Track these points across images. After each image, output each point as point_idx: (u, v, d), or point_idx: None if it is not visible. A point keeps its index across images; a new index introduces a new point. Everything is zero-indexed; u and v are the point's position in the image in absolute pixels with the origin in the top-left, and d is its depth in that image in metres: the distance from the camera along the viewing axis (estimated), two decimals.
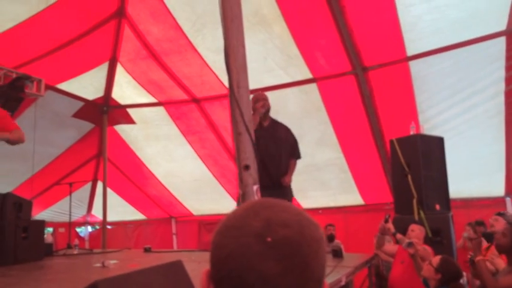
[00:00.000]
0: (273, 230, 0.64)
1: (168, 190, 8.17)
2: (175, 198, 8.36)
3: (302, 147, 6.54)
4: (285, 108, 6.17)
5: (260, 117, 4.08)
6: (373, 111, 5.73)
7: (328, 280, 2.86)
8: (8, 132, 3.46)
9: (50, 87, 6.14)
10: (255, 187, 2.35)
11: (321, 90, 5.76)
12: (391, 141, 4.89)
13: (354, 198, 6.83)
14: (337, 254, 3.79)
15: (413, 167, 4.54)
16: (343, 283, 3.07)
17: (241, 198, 2.33)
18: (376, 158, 6.15)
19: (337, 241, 5.97)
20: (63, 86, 6.37)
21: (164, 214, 8.91)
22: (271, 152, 4.08)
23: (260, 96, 4.20)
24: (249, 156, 2.37)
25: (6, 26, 4.93)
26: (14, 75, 5.46)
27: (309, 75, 5.65)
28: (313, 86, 5.75)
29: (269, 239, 0.63)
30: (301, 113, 6.14)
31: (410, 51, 5.14)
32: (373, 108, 5.70)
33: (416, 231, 3.99)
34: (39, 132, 5.97)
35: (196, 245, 8.17)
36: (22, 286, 3.40)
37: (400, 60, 5.23)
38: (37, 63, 5.73)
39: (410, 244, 3.46)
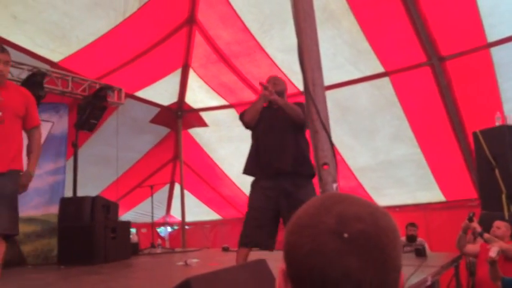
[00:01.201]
0: (348, 225, 0.64)
1: (241, 190, 8.31)
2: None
3: (375, 144, 6.42)
4: (356, 105, 6.06)
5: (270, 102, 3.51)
6: (452, 102, 5.44)
7: (413, 280, 2.77)
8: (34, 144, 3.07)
9: (129, 95, 6.51)
10: (335, 185, 2.32)
11: (394, 84, 5.56)
12: (475, 134, 4.62)
13: (434, 195, 6.52)
14: (421, 253, 3.65)
15: (500, 160, 4.25)
16: (429, 283, 2.95)
17: None
18: (457, 151, 5.83)
19: (420, 239, 5.74)
20: (141, 93, 6.73)
21: (238, 214, 9.07)
22: (272, 136, 3.45)
23: (271, 80, 3.63)
24: (327, 154, 2.34)
25: (88, 40, 5.29)
26: (97, 86, 5.85)
27: (381, 69, 5.49)
28: (385, 80, 5.57)
29: (346, 235, 0.63)
30: (374, 108, 5.98)
31: (491, 37, 4.82)
32: (451, 99, 5.41)
33: (502, 229, 3.73)
34: (121, 138, 6.34)
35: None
36: (113, 283, 3.63)
37: (480, 48, 4.91)
38: (116, 73, 6.10)
39: (498, 252, 3.21)
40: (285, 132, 3.46)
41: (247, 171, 3.61)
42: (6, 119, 2.86)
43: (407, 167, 6.39)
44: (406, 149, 6.14)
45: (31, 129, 3.09)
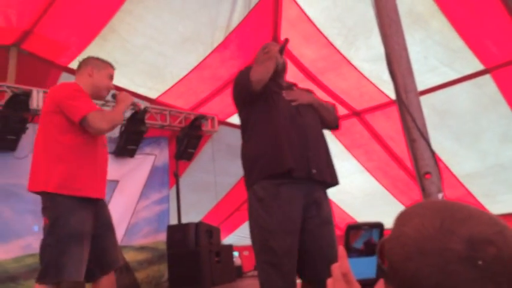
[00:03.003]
0: (480, 251, 0.58)
1: (339, 207, 8.13)
2: (348, 215, 8.26)
3: (482, 147, 5.93)
4: (455, 107, 5.67)
5: (277, 71, 2.60)
6: None
7: None
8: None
9: (222, 122, 6.76)
10: (440, 195, 2.17)
11: (496, 80, 5.13)
12: None
13: None
14: None
15: None
16: None
17: None
18: None
19: None
20: (232, 119, 6.95)
21: (339, 232, 8.86)
22: (300, 123, 2.50)
23: (271, 46, 2.88)
24: (428, 162, 2.21)
25: (181, 74, 5.63)
26: (192, 117, 6.17)
27: (480, 67, 5.09)
28: (486, 78, 5.15)
29: (480, 262, 0.57)
30: (476, 109, 5.54)
31: None
32: None
33: None
34: (218, 164, 6.59)
35: None
36: None
37: None
38: (208, 103, 6.39)
39: None
40: (312, 120, 2.63)
41: (270, 167, 2.33)
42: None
43: None
44: None
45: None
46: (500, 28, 4.69)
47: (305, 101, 2.63)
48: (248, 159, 2.51)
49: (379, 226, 0.86)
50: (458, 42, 4.92)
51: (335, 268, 0.72)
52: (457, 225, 0.61)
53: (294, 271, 2.25)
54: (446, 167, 6.02)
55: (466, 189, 6.39)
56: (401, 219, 0.68)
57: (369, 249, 0.85)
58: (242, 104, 2.66)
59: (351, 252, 0.84)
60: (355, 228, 0.86)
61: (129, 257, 5.68)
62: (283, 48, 2.63)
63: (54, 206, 2.45)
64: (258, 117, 2.51)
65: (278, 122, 2.44)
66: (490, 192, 6.36)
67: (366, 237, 0.85)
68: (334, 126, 2.86)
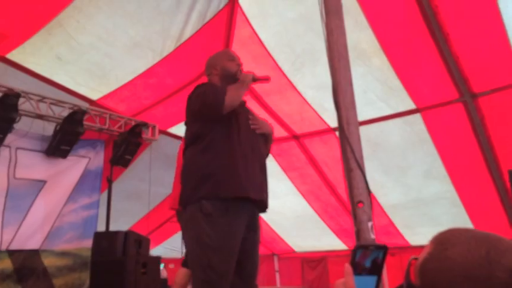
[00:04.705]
0: None
1: (269, 226, 8.26)
2: (278, 235, 8.42)
3: (408, 181, 6.33)
4: (387, 141, 6.03)
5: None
6: (485, 140, 5.35)
7: None
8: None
9: (162, 132, 6.68)
10: (370, 223, 2.31)
11: (425, 120, 5.54)
12: (510, 172, 4.52)
13: None
14: None
15: None
16: None
17: (356, 236, 2.31)
18: (492, 190, 5.68)
19: None
20: (173, 129, 6.89)
21: (266, 251, 8.99)
22: (257, 148, 2.56)
23: (235, 54, 3.01)
24: (362, 192, 2.35)
25: (126, 79, 5.52)
26: (133, 123, 6.04)
27: (412, 106, 5.48)
28: (417, 117, 5.55)
29: None
30: (405, 145, 5.94)
31: None
32: (485, 137, 5.32)
33: None
34: (154, 173, 6.47)
35: (300, 282, 8.08)
36: None
37: None
38: (151, 111, 6.29)
39: None
40: (263, 147, 2.69)
41: (226, 189, 2.27)
42: None
43: (441, 205, 6.26)
44: (439, 186, 6.03)
45: None
46: (433, 72, 5.09)
47: (267, 131, 2.69)
48: (200, 171, 2.34)
49: (384, 248, 0.93)
50: (395, 81, 5.27)
51: (339, 284, 0.77)
52: (501, 256, 0.70)
53: None
54: (374, 197, 6.35)
55: (390, 219, 6.76)
56: (442, 243, 0.74)
57: (373, 269, 0.91)
58: (199, 119, 2.47)
59: (359, 269, 0.90)
60: (364, 248, 0.92)
61: (49, 262, 5.38)
62: (257, 80, 2.72)
63: None
64: (218, 133, 2.40)
65: (239, 145, 2.41)
66: (410, 223, 6.78)
67: (373, 257, 0.91)
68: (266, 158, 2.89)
